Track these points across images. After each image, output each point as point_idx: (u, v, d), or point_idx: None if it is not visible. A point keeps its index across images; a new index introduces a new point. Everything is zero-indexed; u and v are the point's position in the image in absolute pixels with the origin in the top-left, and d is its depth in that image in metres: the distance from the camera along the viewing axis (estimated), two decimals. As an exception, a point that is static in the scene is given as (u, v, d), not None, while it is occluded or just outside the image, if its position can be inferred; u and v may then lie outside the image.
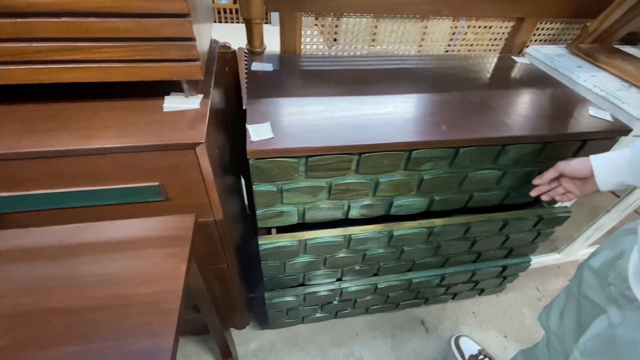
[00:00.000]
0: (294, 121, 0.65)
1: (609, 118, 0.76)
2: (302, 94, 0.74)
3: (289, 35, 0.88)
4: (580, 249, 1.29)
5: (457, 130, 0.67)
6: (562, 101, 0.82)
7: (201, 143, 0.54)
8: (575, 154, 0.76)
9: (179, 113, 0.59)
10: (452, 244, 0.90)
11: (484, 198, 0.82)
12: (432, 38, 1.04)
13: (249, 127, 0.62)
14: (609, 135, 0.74)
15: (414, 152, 0.66)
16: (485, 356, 1.07)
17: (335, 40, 0.99)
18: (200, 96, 0.62)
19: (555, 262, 1.39)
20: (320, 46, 0.96)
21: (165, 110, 0.59)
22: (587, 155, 0.70)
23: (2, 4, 0.42)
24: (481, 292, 1.19)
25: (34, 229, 0.56)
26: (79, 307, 0.47)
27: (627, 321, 0.47)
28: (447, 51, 1.09)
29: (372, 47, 1.03)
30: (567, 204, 1.03)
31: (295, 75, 0.82)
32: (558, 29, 1.06)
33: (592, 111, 0.77)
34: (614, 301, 0.51)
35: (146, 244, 0.56)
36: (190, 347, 1.08)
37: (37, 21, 0.45)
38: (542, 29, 1.04)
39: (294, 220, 0.75)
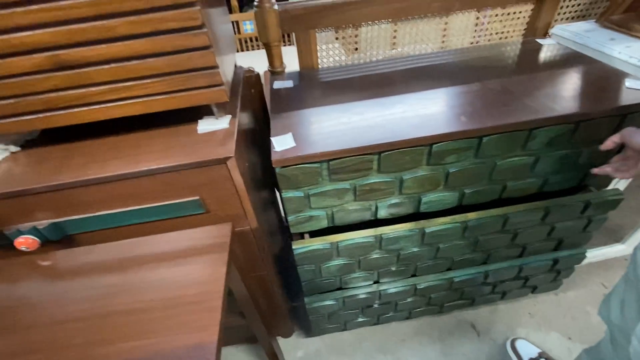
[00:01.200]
0: (314, 130, 0.70)
1: (650, 88, 0.70)
2: (321, 104, 0.79)
3: (305, 51, 0.94)
4: (648, 237, 1.16)
5: (476, 120, 0.67)
6: (595, 77, 0.78)
7: (231, 157, 0.60)
8: (615, 131, 0.71)
9: (210, 133, 0.66)
10: (491, 238, 0.87)
11: (519, 187, 0.79)
12: (454, 33, 1.04)
13: (272, 139, 0.67)
14: (652, 106, 0.68)
15: (434, 146, 0.67)
16: (546, 359, 0.99)
17: (356, 49, 1.03)
18: (229, 117, 0.69)
19: (621, 254, 1.26)
20: (337, 58, 1.01)
21: (199, 132, 0.66)
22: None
23: (64, 59, 0.52)
24: (534, 289, 1.11)
25: (98, 245, 0.65)
26: (136, 309, 0.54)
27: None
28: (472, 43, 1.07)
29: (393, 51, 1.06)
30: (621, 185, 0.95)
31: (314, 88, 0.87)
32: (585, 3, 1.00)
33: (629, 83, 0.72)
34: None
35: (190, 252, 0.62)
36: (241, 355, 1.14)
37: (92, 70, 0.55)
38: (567, 6, 1.00)
39: (324, 224, 0.78)
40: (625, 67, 0.79)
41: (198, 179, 0.63)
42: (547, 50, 0.92)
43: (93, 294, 0.58)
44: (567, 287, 1.20)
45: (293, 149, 0.65)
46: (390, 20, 0.95)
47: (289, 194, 0.70)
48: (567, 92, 0.73)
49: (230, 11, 2.37)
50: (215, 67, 0.58)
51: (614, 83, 0.74)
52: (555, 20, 1.02)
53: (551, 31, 0.99)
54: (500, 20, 1.01)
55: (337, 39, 0.98)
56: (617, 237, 1.26)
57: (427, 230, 0.80)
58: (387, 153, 0.66)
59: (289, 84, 0.90)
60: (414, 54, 1.04)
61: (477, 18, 1.01)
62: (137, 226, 0.68)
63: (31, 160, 0.65)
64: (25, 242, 0.61)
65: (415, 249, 0.85)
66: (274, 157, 0.63)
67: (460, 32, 1.04)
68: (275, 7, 0.84)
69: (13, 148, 0.67)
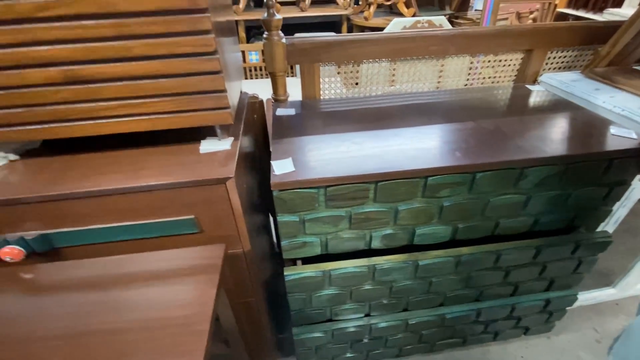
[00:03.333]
0: (313, 156, 0.71)
1: (633, 136, 0.74)
2: (321, 133, 0.81)
3: (308, 83, 0.98)
4: (637, 282, 1.16)
5: (470, 156, 0.69)
6: (581, 123, 0.82)
7: (230, 178, 0.61)
8: (603, 175, 0.74)
9: (212, 154, 0.67)
10: (483, 275, 0.86)
11: (511, 225, 0.80)
12: (449, 74, 1.10)
13: (272, 162, 0.68)
14: (635, 153, 0.71)
15: (430, 179, 0.68)
16: (540, 407, 0.95)
17: (357, 84, 1.08)
18: (231, 139, 0.71)
19: (611, 298, 1.25)
20: (338, 91, 1.06)
21: (201, 152, 0.67)
22: (616, 176, 0.68)
23: (78, 74, 0.54)
24: (526, 330, 1.09)
25: (85, 260, 0.64)
26: (118, 329, 0.52)
27: None
28: (466, 85, 1.13)
29: (391, 87, 1.11)
30: (610, 228, 0.96)
31: (315, 117, 0.90)
32: (571, 56, 1.08)
33: (614, 130, 0.76)
34: None
35: (180, 272, 0.61)
36: (221, 389, 1.07)
37: (104, 86, 0.56)
38: (554, 57, 1.07)
39: (317, 250, 0.77)
40: (609, 115, 0.84)
41: (195, 198, 0.63)
42: (536, 95, 0.98)
43: (74, 311, 0.55)
44: (560, 330, 1.18)
45: (292, 173, 0.66)
46: (389, 59, 1.01)
47: (284, 217, 0.70)
48: (556, 135, 0.76)
49: (238, 42, 2.48)
50: (224, 90, 0.60)
51: (600, 129, 0.78)
52: (544, 70, 1.09)
53: (540, 79, 1.06)
54: (493, 66, 1.08)
55: (338, 73, 1.03)
56: (607, 281, 1.26)
57: (420, 263, 0.80)
58: (383, 183, 0.67)
59: (291, 111, 0.93)
60: (412, 92, 1.09)
61: (472, 62, 1.08)
62: (127, 242, 0.66)
63: (29, 169, 0.64)
64: (10, 252, 0.60)
65: (408, 282, 0.84)
66: (273, 180, 0.64)
67: (455, 74, 1.11)
68: (283, 40, 0.89)
69: (12, 156, 0.67)
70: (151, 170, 0.62)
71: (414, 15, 2.52)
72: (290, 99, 1.02)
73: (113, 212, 0.63)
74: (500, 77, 1.11)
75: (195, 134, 0.71)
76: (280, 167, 0.67)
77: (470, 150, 0.72)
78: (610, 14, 2.28)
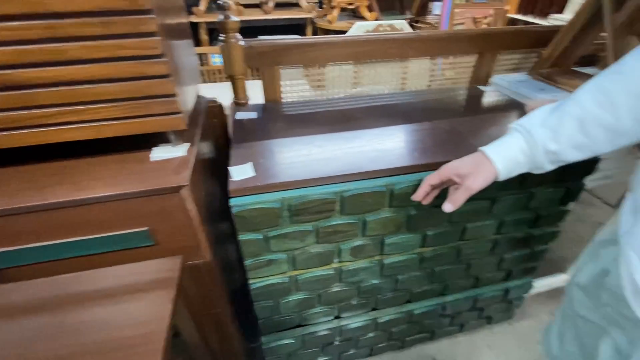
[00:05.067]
0: (274, 160, 0.70)
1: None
2: (282, 136, 0.80)
3: (269, 86, 0.97)
4: (586, 267, 1.25)
5: (427, 155, 0.71)
6: (528, 121, 0.87)
7: (185, 186, 0.58)
8: (560, 176, 0.77)
9: (165, 161, 0.64)
10: (446, 269, 0.89)
11: (477, 229, 0.82)
12: (412, 76, 1.13)
13: (230, 168, 0.66)
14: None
15: (396, 188, 0.68)
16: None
17: (323, 86, 1.07)
18: (187, 145, 0.68)
19: (565, 284, 1.34)
20: (301, 93, 1.05)
21: (152, 159, 0.64)
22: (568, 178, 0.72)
23: (9, 79, 0.49)
24: (489, 320, 1.14)
25: (29, 281, 0.58)
26: (70, 354, 0.48)
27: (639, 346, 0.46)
28: (429, 86, 1.17)
29: (354, 89, 1.12)
30: (559, 219, 1.03)
31: (277, 121, 0.89)
32: (518, 58, 1.15)
33: (556, 127, 0.81)
34: (615, 323, 0.50)
35: (135, 288, 0.58)
36: (190, 406, 1.02)
37: (39, 92, 0.52)
38: (503, 60, 1.13)
39: (284, 268, 0.74)
40: (553, 113, 0.90)
41: (148, 209, 0.60)
42: (488, 96, 1.03)
43: (20, 337, 0.51)
44: (520, 316, 1.25)
45: (252, 178, 0.64)
46: (351, 62, 1.02)
47: (246, 236, 0.67)
48: (504, 133, 0.80)
49: (200, 44, 2.42)
50: (173, 95, 0.57)
51: (544, 127, 0.83)
52: (495, 71, 1.15)
53: (491, 80, 1.12)
54: (454, 67, 1.12)
55: (307, 75, 1.03)
56: (561, 267, 1.35)
57: (385, 262, 0.81)
58: (350, 195, 0.66)
59: (252, 115, 0.91)
60: (374, 94, 1.11)
61: (434, 64, 1.12)
62: (76, 259, 0.62)
63: (-44, 185, 0.58)
64: None
65: (375, 281, 0.85)
66: (231, 187, 0.62)
67: (418, 76, 1.14)
68: (241, 42, 0.87)
69: None
70: (98, 181, 0.58)
71: (376, 19, 2.58)
72: (255, 101, 1.00)
73: (58, 227, 0.58)
74: (458, 78, 1.16)
75: (148, 141, 0.67)
76: (239, 173, 0.65)
77: (427, 150, 0.74)
78: (554, 19, 2.46)
